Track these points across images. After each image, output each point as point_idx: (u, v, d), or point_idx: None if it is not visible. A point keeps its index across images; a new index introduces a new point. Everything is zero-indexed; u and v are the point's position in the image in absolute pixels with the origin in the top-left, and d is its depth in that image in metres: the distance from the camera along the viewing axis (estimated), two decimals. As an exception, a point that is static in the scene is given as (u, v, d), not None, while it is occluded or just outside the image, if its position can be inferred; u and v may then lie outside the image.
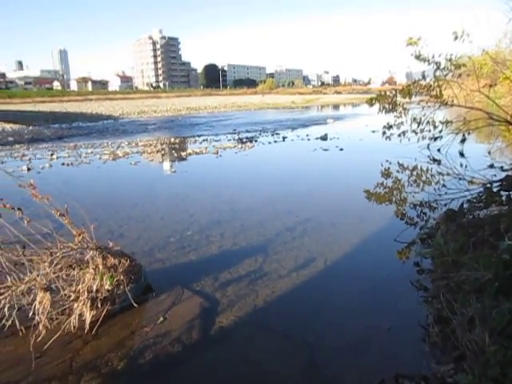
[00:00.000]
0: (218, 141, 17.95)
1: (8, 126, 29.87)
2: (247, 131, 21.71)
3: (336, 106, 53.23)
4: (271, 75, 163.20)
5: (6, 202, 3.49)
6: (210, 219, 6.90)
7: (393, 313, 3.95)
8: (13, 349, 3.46)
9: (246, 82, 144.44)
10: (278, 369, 3.23)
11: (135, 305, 3.89)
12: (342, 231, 6.22)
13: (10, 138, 22.37)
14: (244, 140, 17.69)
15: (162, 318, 3.86)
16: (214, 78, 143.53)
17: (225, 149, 15.19)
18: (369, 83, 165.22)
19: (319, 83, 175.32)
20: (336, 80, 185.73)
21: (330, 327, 3.77)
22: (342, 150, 14.25)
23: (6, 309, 3.23)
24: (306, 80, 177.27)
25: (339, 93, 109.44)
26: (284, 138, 18.34)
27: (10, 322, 3.38)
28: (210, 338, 3.64)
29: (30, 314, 3.43)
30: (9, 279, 3.32)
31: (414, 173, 9.92)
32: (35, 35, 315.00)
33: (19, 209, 3.28)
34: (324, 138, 17.46)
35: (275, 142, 17.21)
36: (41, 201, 3.37)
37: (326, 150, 14.32)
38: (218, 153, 14.23)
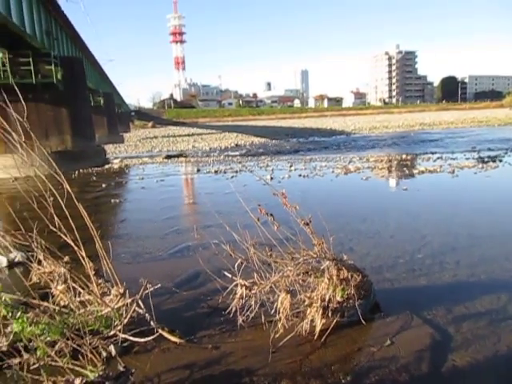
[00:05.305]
0: (454, 159, 16.51)
1: (256, 140, 34.29)
2: (489, 149, 19.31)
3: None
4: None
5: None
6: (443, 243, 6.37)
7: None
8: (252, 339, 3.86)
9: (490, 95, 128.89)
10: None
11: (363, 321, 3.86)
12: None
13: (258, 150, 25.58)
14: (485, 159, 15.77)
15: (389, 341, 3.72)
16: (452, 91, 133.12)
17: (462, 168, 13.87)
18: None
19: None
20: None
21: None
22: None
23: (252, 302, 3.65)
24: None
25: None
26: (541, 158, 15.62)
27: (252, 315, 3.81)
28: (440, 375, 3.32)
29: (271, 312, 3.79)
30: (255, 276, 3.75)
31: None
32: (282, 59, 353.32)
33: (271, 214, 3.68)
34: None
35: (528, 162, 14.83)
36: (289, 209, 3.70)
37: None
38: (454, 172, 13.09)
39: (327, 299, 3.70)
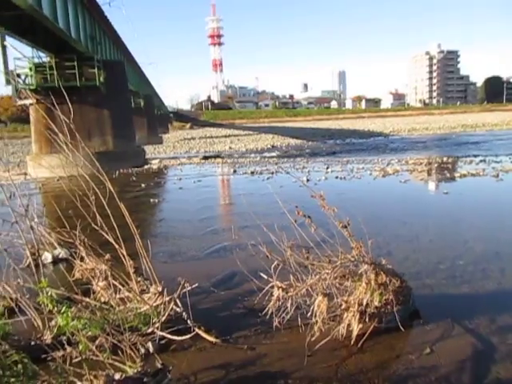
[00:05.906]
0: (498, 162, 15.89)
1: (292, 141, 34.26)
2: (538, 151, 18.53)
3: None
4: None
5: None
6: (487, 249, 6.14)
7: None
8: (287, 341, 3.84)
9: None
10: None
11: (401, 328, 3.77)
12: None
13: (294, 152, 25.54)
14: (535, 162, 15.15)
15: (428, 350, 3.60)
16: (497, 91, 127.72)
17: (507, 172, 13.32)
18: None
19: None
20: None
21: None
22: None
23: (288, 304, 3.63)
24: None
25: None
26: None
27: (288, 317, 3.79)
28: (484, 388, 3.21)
29: (308, 315, 3.75)
30: (292, 278, 3.74)
31: None
32: (319, 60, 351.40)
33: (309, 217, 3.65)
34: None
35: None
36: (327, 211, 3.66)
37: None
38: (498, 176, 12.58)
39: (365, 304, 3.63)
